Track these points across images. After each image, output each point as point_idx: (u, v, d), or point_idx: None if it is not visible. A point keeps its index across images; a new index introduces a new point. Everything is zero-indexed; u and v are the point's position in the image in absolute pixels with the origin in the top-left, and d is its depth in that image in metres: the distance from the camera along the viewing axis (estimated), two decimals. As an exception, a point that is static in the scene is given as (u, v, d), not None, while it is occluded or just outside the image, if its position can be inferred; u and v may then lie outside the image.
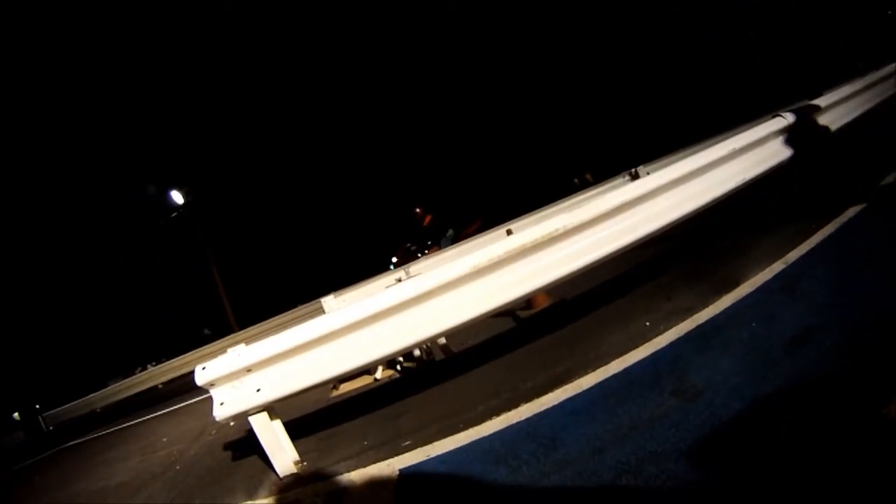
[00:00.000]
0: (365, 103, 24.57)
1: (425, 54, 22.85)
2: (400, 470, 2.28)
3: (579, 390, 2.34)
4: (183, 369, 9.35)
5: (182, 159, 23.28)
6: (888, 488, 1.18)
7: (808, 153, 3.59)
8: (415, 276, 2.98)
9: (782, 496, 1.30)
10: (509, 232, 3.51)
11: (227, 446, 3.72)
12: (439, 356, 4.00)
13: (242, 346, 2.71)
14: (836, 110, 4.20)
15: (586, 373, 2.48)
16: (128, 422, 7.52)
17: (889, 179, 3.52)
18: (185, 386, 7.80)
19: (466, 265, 2.56)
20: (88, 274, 24.52)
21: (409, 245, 7.74)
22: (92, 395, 11.03)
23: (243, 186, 25.23)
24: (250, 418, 2.71)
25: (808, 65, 8.82)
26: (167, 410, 7.14)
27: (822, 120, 3.95)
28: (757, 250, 3.18)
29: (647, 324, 2.77)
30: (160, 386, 10.19)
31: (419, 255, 7.20)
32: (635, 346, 2.54)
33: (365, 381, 4.15)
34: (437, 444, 2.38)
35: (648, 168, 5.96)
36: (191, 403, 6.82)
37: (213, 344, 9.31)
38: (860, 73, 4.88)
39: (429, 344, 3.82)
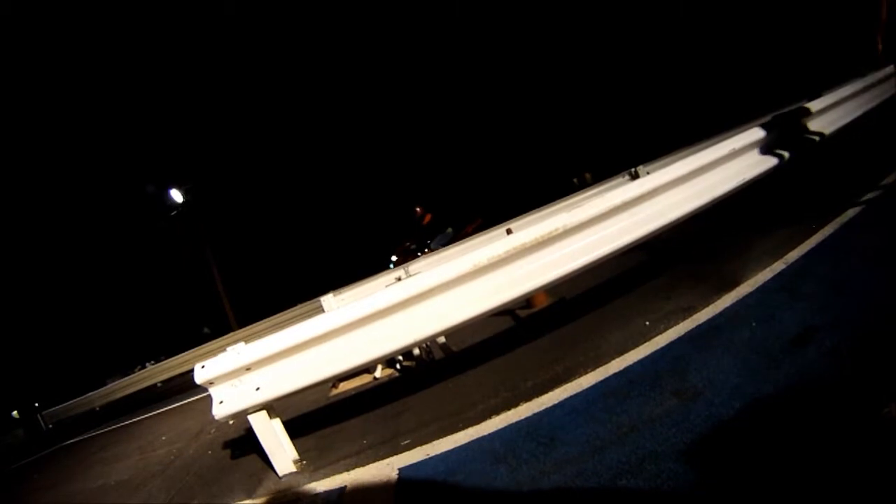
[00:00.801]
0: (365, 102, 24.55)
1: (425, 54, 22.83)
2: (399, 469, 2.28)
3: (579, 389, 2.34)
4: (182, 368, 9.39)
5: (182, 157, 23.23)
6: (888, 488, 1.18)
7: (806, 154, 3.60)
8: (415, 274, 2.98)
9: (782, 496, 1.30)
10: (509, 231, 3.50)
11: (227, 445, 3.72)
12: (439, 355, 4.00)
13: (242, 344, 2.71)
14: (835, 111, 4.21)
15: (586, 372, 2.48)
16: (127, 420, 7.53)
17: (889, 179, 3.52)
18: (185, 384, 7.82)
19: (466, 264, 2.56)
20: (88, 273, 24.51)
21: (408, 244, 7.73)
22: (91, 393, 11.08)
23: (243, 185, 25.21)
24: (249, 417, 2.72)
25: (807, 65, 8.82)
26: (166, 409, 7.14)
27: (820, 122, 3.96)
28: (757, 250, 3.18)
29: (647, 323, 2.77)
30: (159, 384, 10.22)
31: (419, 253, 7.19)
32: (635, 346, 2.54)
33: (364, 379, 4.15)
34: (436, 443, 2.38)
35: (648, 168, 5.95)
36: (190, 402, 6.82)
37: (212, 342, 9.35)
38: (860, 74, 4.88)
39: (428, 343, 3.83)
